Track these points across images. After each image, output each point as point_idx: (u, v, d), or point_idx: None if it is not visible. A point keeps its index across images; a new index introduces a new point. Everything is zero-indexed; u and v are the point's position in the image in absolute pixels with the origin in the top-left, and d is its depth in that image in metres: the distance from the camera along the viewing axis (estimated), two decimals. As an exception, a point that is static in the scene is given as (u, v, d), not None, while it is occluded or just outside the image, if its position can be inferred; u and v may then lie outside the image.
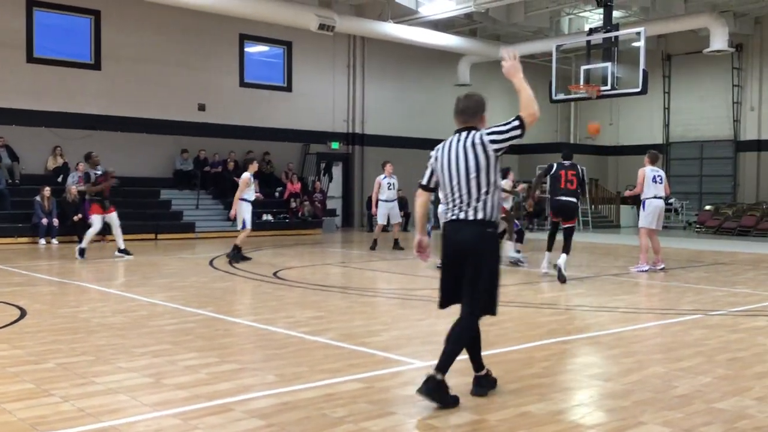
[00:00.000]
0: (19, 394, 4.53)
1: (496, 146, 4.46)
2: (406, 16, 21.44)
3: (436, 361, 4.40)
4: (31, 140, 18.14)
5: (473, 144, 4.49)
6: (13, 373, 5.00)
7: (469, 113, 4.64)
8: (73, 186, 17.29)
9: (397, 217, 15.99)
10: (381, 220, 15.68)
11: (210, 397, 4.51)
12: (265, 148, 22.19)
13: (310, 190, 22.23)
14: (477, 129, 4.56)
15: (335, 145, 24.05)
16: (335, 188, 24.29)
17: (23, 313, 7.38)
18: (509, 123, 4.44)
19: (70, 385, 4.74)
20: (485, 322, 7.27)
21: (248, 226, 12.54)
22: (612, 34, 17.10)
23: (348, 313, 7.74)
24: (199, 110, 21.03)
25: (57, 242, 16.29)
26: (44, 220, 16.29)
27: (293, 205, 21.22)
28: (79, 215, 16.67)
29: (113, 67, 19.53)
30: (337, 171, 24.47)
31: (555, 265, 10.35)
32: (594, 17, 23.23)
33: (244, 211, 12.50)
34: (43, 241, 16.22)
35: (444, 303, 4.69)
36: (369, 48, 24.41)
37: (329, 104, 23.89)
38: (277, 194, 21.60)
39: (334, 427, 3.98)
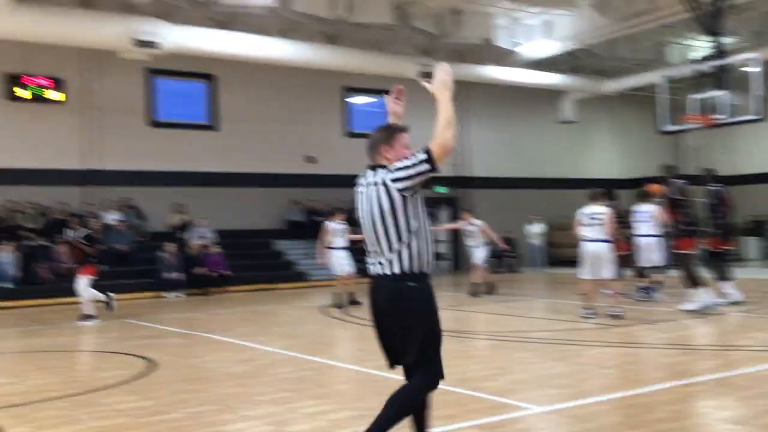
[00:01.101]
0: (152, 442, 4.76)
1: (400, 185, 3.75)
2: (505, 57, 21.47)
3: (553, 407, 4.31)
4: (154, 199, 19.26)
5: (376, 184, 3.83)
6: (144, 423, 5.26)
7: (370, 149, 3.97)
8: (195, 241, 18.20)
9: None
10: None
11: (330, 444, 4.59)
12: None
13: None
14: (385, 167, 3.86)
15: (440, 189, 24.17)
16: (443, 232, 24.31)
17: (152, 364, 7.78)
18: (416, 156, 3.75)
19: (198, 433, 4.94)
20: (595, 364, 7.05)
21: (335, 271, 13.29)
22: (722, 62, 16.49)
23: (462, 358, 7.69)
24: (308, 162, 21.72)
25: (182, 295, 17.09)
26: (169, 275, 17.16)
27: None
28: (205, 268, 17.48)
29: (227, 127, 20.55)
30: (444, 215, 24.51)
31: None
32: (703, 45, 22.46)
33: (331, 259, 13.38)
34: (168, 294, 17.07)
35: (391, 363, 4.13)
36: (471, 91, 24.53)
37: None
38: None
39: (454, 474, 3.95)
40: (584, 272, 10.45)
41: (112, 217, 18.19)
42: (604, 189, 11.75)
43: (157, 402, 5.96)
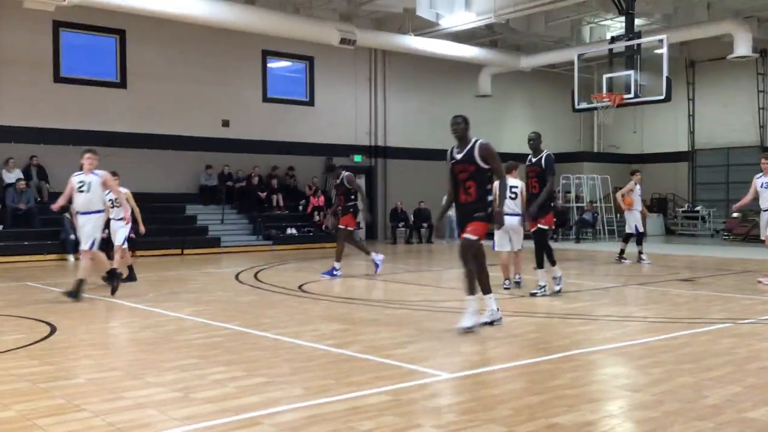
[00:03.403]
0: (50, 409, 4.59)
1: None
2: (426, 28, 21.51)
3: (461, 373, 4.38)
4: (58, 158, 18.41)
5: None
6: (44, 389, 5.07)
7: None
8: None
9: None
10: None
11: (238, 410, 4.54)
12: (289, 162, 22.33)
13: (333, 204, 22.29)
14: None
15: (358, 158, 24.15)
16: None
17: (53, 329, 7.48)
18: None
19: (100, 400, 4.79)
20: (502, 333, 7.25)
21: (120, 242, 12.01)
22: (634, 42, 17.02)
23: (373, 326, 7.75)
24: (222, 126, 21.25)
25: (85, 259, 16.48)
26: (72, 237, 16.49)
27: (317, 218, 21.32)
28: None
29: (138, 85, 19.81)
30: (360, 184, 24.53)
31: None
32: (616, 25, 23.13)
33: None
34: (71, 257, 16.44)
35: None
36: (390, 61, 24.52)
37: (351, 118, 24.01)
38: (300, 208, 21.72)
39: (361, 440, 3.98)
40: (502, 244, 10.52)
41: (12, 176, 17.34)
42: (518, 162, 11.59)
43: (57, 367, 5.75)
